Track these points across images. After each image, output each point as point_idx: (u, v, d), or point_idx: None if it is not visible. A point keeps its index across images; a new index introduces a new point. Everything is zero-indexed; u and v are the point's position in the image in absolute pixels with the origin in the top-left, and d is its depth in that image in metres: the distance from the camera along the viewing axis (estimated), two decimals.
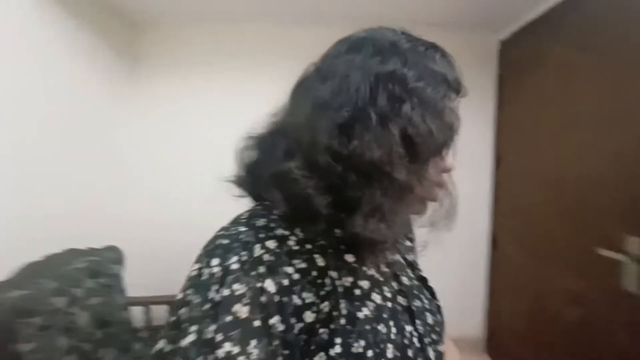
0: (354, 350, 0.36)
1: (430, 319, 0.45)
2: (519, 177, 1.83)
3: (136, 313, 1.54)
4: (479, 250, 2.11)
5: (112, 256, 1.48)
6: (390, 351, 0.38)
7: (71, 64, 1.55)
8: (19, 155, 1.30)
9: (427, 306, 0.46)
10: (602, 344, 1.24)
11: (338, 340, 0.35)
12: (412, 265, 0.50)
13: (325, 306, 0.37)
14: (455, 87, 0.41)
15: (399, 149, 0.35)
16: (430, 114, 0.37)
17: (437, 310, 0.48)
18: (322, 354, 0.35)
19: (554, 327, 1.49)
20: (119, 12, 1.85)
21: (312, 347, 0.35)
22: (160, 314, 1.60)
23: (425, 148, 0.37)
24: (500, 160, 2.00)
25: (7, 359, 1.07)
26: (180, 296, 0.35)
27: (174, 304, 0.35)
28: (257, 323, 0.32)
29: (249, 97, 1.82)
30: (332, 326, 0.36)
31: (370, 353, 0.36)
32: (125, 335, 1.43)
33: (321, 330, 0.35)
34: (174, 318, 0.34)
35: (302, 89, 0.43)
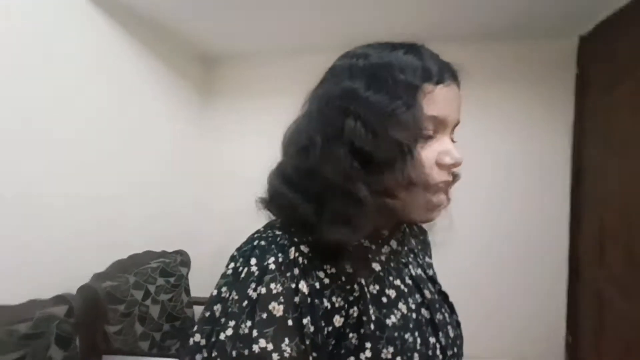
0: (383, 356, 0.36)
1: (451, 332, 0.45)
2: (604, 193, 1.56)
3: (198, 311, 1.75)
4: (558, 275, 1.84)
5: (180, 259, 1.73)
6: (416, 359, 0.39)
7: (153, 98, 1.92)
8: (118, 170, 1.65)
9: (448, 320, 0.46)
10: None
11: (368, 345, 0.36)
12: (433, 280, 0.51)
13: (354, 311, 0.38)
14: (428, 76, 0.37)
15: (348, 162, 0.36)
16: (378, 119, 0.36)
17: (457, 325, 0.48)
18: (352, 358, 0.35)
19: None
20: (197, 50, 2.21)
21: (342, 351, 0.36)
22: None
23: (380, 154, 0.36)
24: (580, 174, 1.74)
25: (101, 336, 1.34)
26: (214, 293, 0.37)
27: (208, 300, 0.37)
28: (290, 322, 0.33)
29: None
30: (362, 331, 0.37)
31: (398, 359, 0.37)
32: (188, 330, 1.64)
33: (351, 335, 0.36)
34: (208, 313, 0.36)
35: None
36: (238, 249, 0.40)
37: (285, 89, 2.22)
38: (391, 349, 0.37)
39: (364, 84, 0.37)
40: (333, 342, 0.36)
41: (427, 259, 0.55)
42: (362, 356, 0.35)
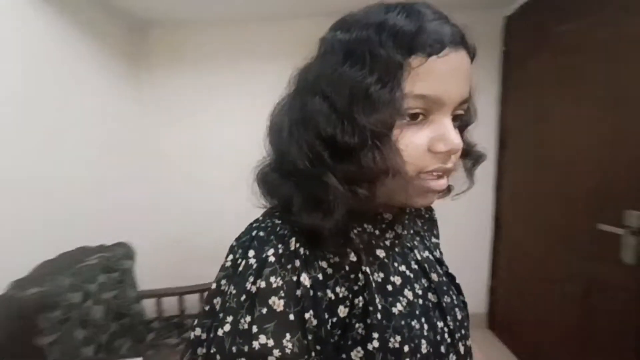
0: (390, 345, 0.35)
1: (459, 314, 0.45)
2: (523, 158, 1.80)
3: (148, 305, 1.61)
4: (483, 230, 2.11)
5: (123, 252, 1.55)
6: (424, 347, 0.38)
7: (79, 66, 1.60)
8: (35, 155, 1.37)
9: (455, 302, 0.46)
10: (603, 316, 1.24)
11: (375, 335, 0.35)
12: (440, 262, 0.50)
13: (359, 301, 0.36)
14: (418, 47, 0.32)
15: (314, 148, 0.34)
16: (346, 100, 0.33)
17: (464, 306, 0.47)
18: (359, 348, 0.34)
19: (555, 302, 1.50)
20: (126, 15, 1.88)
21: (349, 342, 0.35)
22: (172, 305, 1.67)
23: (345, 140, 0.33)
24: (504, 142, 1.97)
25: (30, 351, 1.15)
26: (213, 286, 0.35)
27: (208, 293, 0.36)
28: (292, 317, 0.32)
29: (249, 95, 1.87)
30: (368, 321, 0.35)
31: (406, 348, 0.36)
32: (139, 326, 1.51)
33: (357, 325, 0.35)
34: (208, 307, 0.34)
35: None
36: (237, 239, 0.37)
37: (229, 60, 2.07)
38: (398, 338, 0.36)
39: (340, 60, 0.34)
40: (339, 332, 0.35)
41: (433, 239, 0.54)
42: (369, 346, 0.34)
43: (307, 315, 0.32)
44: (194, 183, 2.13)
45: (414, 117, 0.34)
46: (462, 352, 0.43)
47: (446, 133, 0.34)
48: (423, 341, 0.38)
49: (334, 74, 0.33)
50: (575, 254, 1.38)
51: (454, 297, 0.46)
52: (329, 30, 0.38)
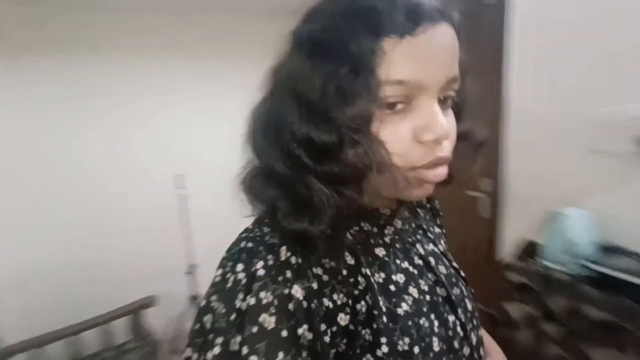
0: (400, 348, 0.34)
1: (469, 305, 0.44)
2: None
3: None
4: None
5: None
6: (436, 344, 0.36)
7: None
8: None
9: (465, 293, 0.45)
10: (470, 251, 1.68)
11: (383, 339, 0.33)
12: (445, 255, 0.47)
13: (362, 305, 0.34)
14: (389, 28, 0.29)
15: (292, 152, 0.32)
16: (317, 97, 0.30)
17: (472, 296, 0.46)
18: (368, 356, 0.33)
19: None
20: None
21: (357, 351, 0.33)
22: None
23: (321, 139, 0.30)
24: None
25: None
26: (203, 303, 0.33)
27: (198, 311, 0.33)
28: (284, 333, 0.30)
29: None
30: (374, 325, 0.34)
31: (417, 349, 0.34)
32: None
33: (363, 332, 0.33)
34: (198, 325, 0.32)
35: None
36: (227, 251, 0.35)
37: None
38: (407, 340, 0.35)
39: (309, 53, 0.31)
40: (345, 342, 0.33)
41: (436, 230, 0.51)
42: (378, 352, 0.33)
43: (300, 331, 0.30)
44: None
45: (391, 106, 0.31)
46: (475, 344, 0.42)
47: (432, 119, 0.31)
48: (434, 339, 0.37)
49: (303, 69, 0.31)
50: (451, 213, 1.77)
51: (463, 288, 0.45)
52: (298, 22, 0.34)
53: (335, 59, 0.29)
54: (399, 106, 0.31)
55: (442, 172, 0.34)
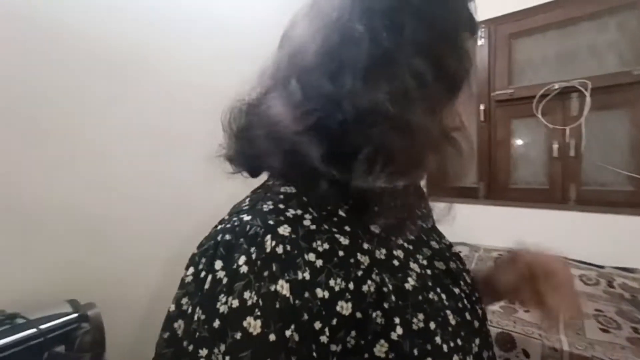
0: (414, 327, 0.31)
1: (468, 278, 0.42)
2: None
3: None
4: None
5: None
6: (451, 318, 0.34)
7: None
8: None
9: (460, 266, 0.43)
10: None
11: (397, 320, 0.30)
12: (434, 230, 0.46)
13: (369, 285, 0.31)
14: (470, 24, 0.36)
15: (407, 72, 0.30)
16: (447, 28, 0.33)
17: (468, 271, 0.44)
18: (382, 341, 0.29)
19: None
20: None
21: (369, 337, 0.29)
22: None
23: (454, 63, 0.33)
24: None
25: None
26: (172, 307, 0.29)
27: (166, 317, 0.29)
28: (272, 337, 0.26)
29: None
30: (385, 305, 0.31)
31: (432, 325, 0.32)
32: None
33: (374, 315, 0.30)
34: (167, 334, 0.28)
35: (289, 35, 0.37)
36: (199, 247, 0.31)
37: None
38: (421, 316, 0.32)
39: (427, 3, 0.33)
40: (354, 334, 0.29)
41: (423, 210, 0.49)
42: (393, 335, 0.30)
43: (288, 332, 0.27)
44: None
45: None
46: (482, 316, 0.40)
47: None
48: (448, 312, 0.35)
49: (426, 13, 0.32)
50: None
51: (458, 263, 0.43)
52: None
53: (455, 20, 0.34)
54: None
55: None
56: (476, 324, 0.38)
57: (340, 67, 0.30)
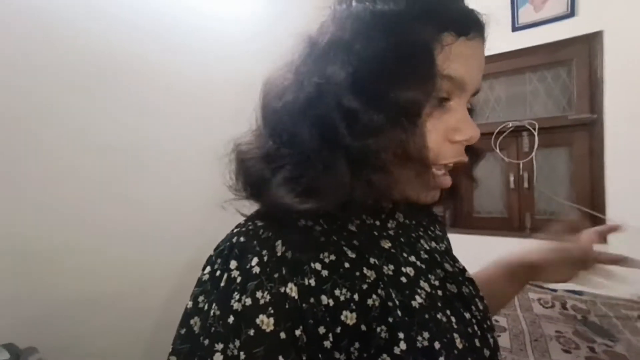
0: (419, 344, 0.31)
1: (480, 305, 0.41)
2: None
3: None
4: None
5: None
6: (458, 341, 0.33)
7: None
8: None
9: (473, 292, 0.41)
10: None
11: (400, 335, 0.30)
12: (448, 253, 0.45)
13: (374, 300, 0.31)
14: (449, 25, 0.31)
15: (329, 119, 0.30)
16: (374, 71, 0.30)
17: (482, 297, 0.43)
18: (384, 356, 0.29)
19: None
20: None
21: (372, 351, 0.30)
22: None
23: (369, 114, 0.30)
24: None
25: None
26: (190, 304, 0.30)
27: (184, 313, 0.31)
28: (283, 335, 0.28)
29: None
30: (390, 319, 0.31)
31: (437, 345, 0.31)
32: None
33: (379, 329, 0.30)
34: (184, 330, 0.30)
35: None
36: (215, 249, 0.33)
37: None
38: (426, 335, 0.31)
39: (369, 29, 0.31)
40: (357, 346, 0.29)
41: (437, 231, 0.49)
42: (396, 350, 0.30)
43: (297, 332, 0.28)
44: None
45: (441, 101, 0.32)
46: (493, 345, 0.38)
47: (466, 120, 0.33)
48: (455, 335, 0.34)
49: (360, 41, 0.30)
50: None
51: (472, 288, 0.42)
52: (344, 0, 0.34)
53: (401, 37, 0.30)
54: (445, 102, 0.32)
55: (450, 180, 0.36)
56: (486, 352, 0.37)
57: (283, 109, 0.33)
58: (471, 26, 0.32)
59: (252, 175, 0.34)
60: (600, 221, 0.58)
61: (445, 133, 0.33)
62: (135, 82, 1.28)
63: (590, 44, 1.56)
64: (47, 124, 1.09)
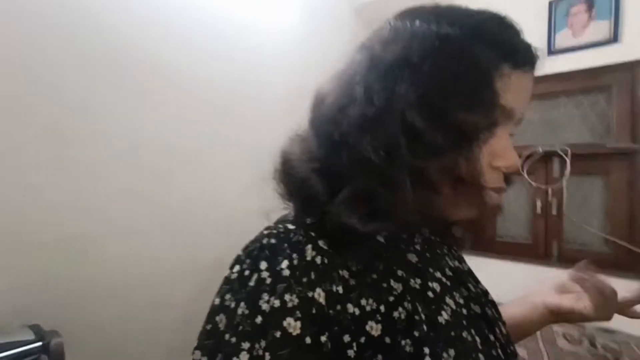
0: None
1: (503, 328, 0.40)
2: None
3: None
4: None
5: None
6: None
7: None
8: None
9: (496, 315, 0.41)
10: None
11: (426, 350, 0.30)
12: (471, 274, 0.45)
13: (400, 312, 0.31)
14: (509, 56, 0.33)
15: (394, 137, 0.31)
16: (440, 93, 0.31)
17: (504, 322, 0.43)
18: None
19: None
20: None
21: None
22: None
23: (433, 135, 0.30)
24: None
25: None
26: (217, 301, 0.30)
27: (210, 309, 0.31)
28: (308, 339, 0.28)
29: None
30: (416, 333, 0.31)
31: None
32: None
33: (403, 342, 0.30)
34: (209, 326, 0.30)
35: None
36: (244, 249, 0.33)
37: None
38: (452, 352, 0.31)
39: (435, 51, 0.32)
40: (380, 358, 0.29)
41: (460, 252, 0.49)
42: None
43: (323, 338, 0.28)
44: None
45: (490, 126, 0.33)
46: None
47: (510, 149, 0.35)
48: (481, 356, 0.33)
49: (428, 63, 0.31)
50: None
51: (494, 311, 0.42)
52: (404, 17, 0.35)
53: (468, 63, 0.31)
54: (490, 128, 0.33)
55: (496, 198, 0.36)
56: None
57: (344, 122, 0.33)
58: (528, 60, 0.34)
59: (304, 188, 0.34)
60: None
61: (489, 158, 0.34)
62: (175, 91, 1.36)
63: (634, 71, 1.51)
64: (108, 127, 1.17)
